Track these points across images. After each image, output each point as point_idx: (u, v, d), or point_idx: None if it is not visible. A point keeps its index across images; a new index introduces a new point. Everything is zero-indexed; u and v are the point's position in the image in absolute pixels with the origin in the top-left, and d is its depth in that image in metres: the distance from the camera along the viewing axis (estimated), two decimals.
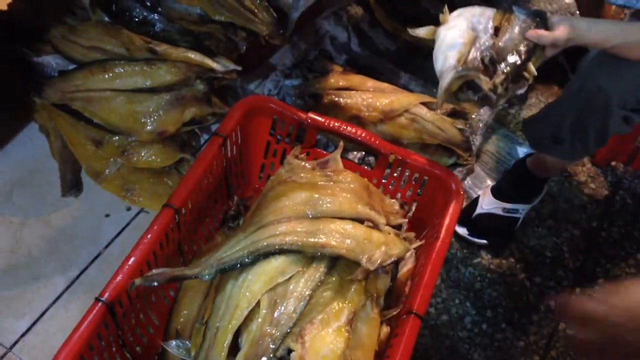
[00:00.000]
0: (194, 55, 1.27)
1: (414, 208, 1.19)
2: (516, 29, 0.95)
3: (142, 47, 1.26)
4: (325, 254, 0.86)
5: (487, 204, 1.35)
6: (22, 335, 1.16)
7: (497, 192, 1.36)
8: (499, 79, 0.90)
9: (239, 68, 1.30)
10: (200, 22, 1.30)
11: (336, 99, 1.41)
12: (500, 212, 1.34)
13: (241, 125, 1.13)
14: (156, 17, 1.30)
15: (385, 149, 1.10)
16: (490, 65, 0.91)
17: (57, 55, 1.28)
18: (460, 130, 1.45)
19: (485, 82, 0.89)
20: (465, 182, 1.45)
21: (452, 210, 1.03)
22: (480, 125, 1.49)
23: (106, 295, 0.87)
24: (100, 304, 0.86)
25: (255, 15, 1.26)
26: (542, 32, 0.92)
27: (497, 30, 0.97)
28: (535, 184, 1.35)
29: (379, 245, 0.90)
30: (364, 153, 1.44)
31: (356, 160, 1.41)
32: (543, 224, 1.44)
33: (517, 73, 0.92)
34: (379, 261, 0.87)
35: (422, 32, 1.00)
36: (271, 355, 0.77)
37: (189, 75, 1.27)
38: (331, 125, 1.12)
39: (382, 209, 1.01)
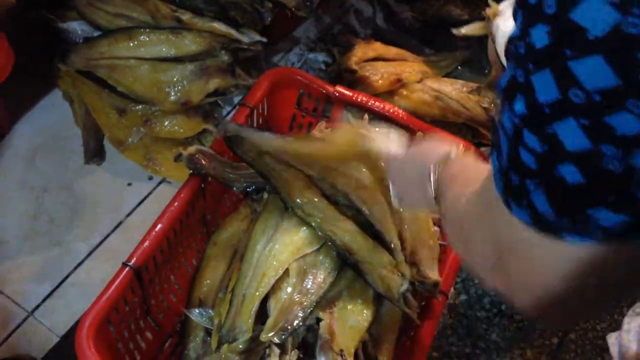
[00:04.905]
0: (219, 26, 1.25)
1: None
2: None
3: (168, 16, 1.25)
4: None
5: None
6: (44, 300, 1.16)
7: None
8: None
9: (264, 39, 1.28)
10: None
11: (371, 70, 1.39)
12: None
13: (268, 97, 1.12)
14: None
15: (414, 125, 1.09)
16: None
17: (83, 21, 1.27)
18: (485, 109, 1.43)
19: None
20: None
21: None
22: None
23: (133, 260, 0.87)
24: (127, 268, 0.86)
25: None
26: None
27: None
28: None
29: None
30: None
31: None
32: None
33: None
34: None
35: (470, 29, 0.90)
36: (300, 323, 0.77)
37: (214, 46, 1.26)
38: (359, 99, 1.11)
39: None
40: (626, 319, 0.99)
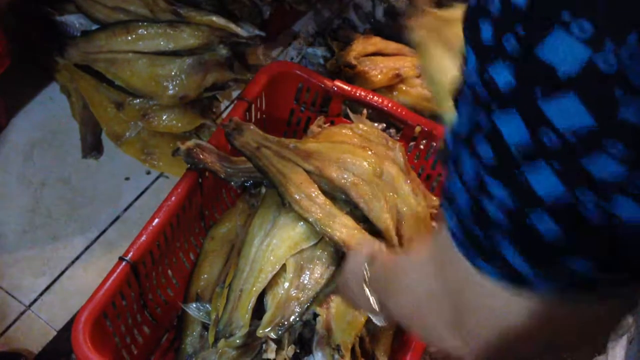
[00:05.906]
0: (217, 19, 1.25)
1: (436, 183, 1.18)
2: None
3: (166, 9, 1.24)
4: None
5: None
6: (41, 294, 1.16)
7: None
8: None
9: (263, 34, 1.27)
10: None
11: (370, 65, 1.38)
12: None
13: (266, 91, 1.12)
14: None
15: (412, 120, 1.09)
16: None
17: (81, 15, 1.26)
18: None
19: None
20: None
21: None
22: None
23: (130, 254, 0.87)
24: (124, 263, 0.86)
25: None
26: None
27: None
28: None
29: None
30: (384, 124, 1.43)
31: None
32: None
33: None
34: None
35: None
36: (297, 318, 0.77)
37: (212, 40, 1.25)
38: (358, 94, 1.11)
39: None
40: (610, 344, 1.00)
